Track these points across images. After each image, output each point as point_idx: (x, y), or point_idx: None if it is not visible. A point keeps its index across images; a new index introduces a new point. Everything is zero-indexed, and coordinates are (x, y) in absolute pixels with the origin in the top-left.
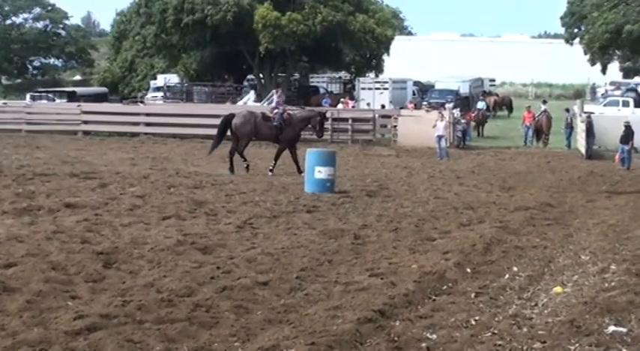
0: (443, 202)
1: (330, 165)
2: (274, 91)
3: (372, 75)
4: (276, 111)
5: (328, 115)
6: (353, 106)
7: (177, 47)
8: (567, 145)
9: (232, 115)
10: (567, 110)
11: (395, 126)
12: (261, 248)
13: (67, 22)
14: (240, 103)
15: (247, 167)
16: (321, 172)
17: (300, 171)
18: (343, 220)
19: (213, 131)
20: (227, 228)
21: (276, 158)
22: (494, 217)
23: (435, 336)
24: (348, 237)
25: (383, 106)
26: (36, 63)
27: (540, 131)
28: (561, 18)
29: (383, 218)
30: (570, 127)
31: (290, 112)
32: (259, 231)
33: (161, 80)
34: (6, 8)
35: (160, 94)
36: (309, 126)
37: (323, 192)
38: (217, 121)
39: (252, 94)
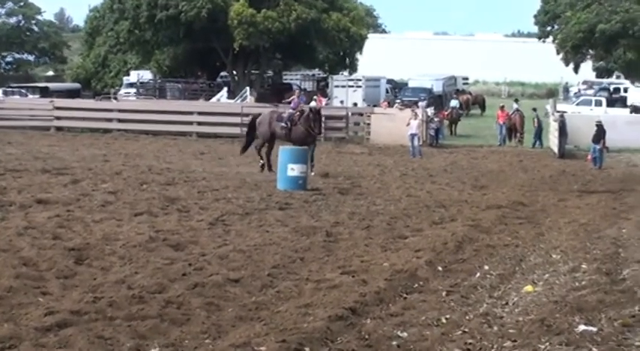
0: (415, 200)
1: (302, 162)
2: (248, 88)
3: (345, 73)
4: (289, 111)
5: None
6: (326, 104)
7: (150, 43)
8: (533, 143)
9: (259, 115)
10: (534, 109)
11: (368, 124)
12: (233, 245)
13: (40, 17)
14: (212, 100)
15: (262, 166)
16: (294, 170)
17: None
18: (315, 218)
19: (186, 128)
20: (199, 225)
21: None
22: (466, 216)
23: (405, 334)
24: (320, 234)
25: (356, 104)
26: (9, 58)
27: (514, 130)
28: (535, 16)
29: (355, 216)
30: (538, 127)
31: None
32: (231, 228)
33: (134, 76)
34: None
35: (133, 90)
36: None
37: (295, 189)
38: (190, 118)
39: (224, 91)
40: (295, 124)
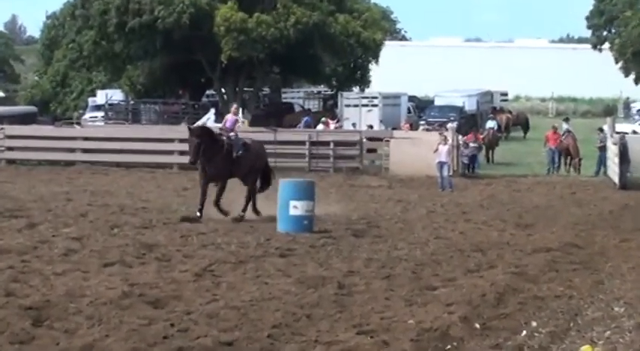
0: (445, 243)
1: (308, 198)
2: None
3: (357, 89)
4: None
5: (304, 138)
6: (336, 127)
7: (120, 57)
8: (597, 172)
9: None
10: (601, 130)
11: (386, 151)
12: (225, 301)
13: None
14: (198, 123)
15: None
16: (297, 208)
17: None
18: (324, 266)
19: (166, 158)
20: (183, 276)
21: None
22: (508, 261)
23: None
24: (331, 286)
25: (371, 127)
26: None
27: (568, 155)
28: (587, 18)
29: (373, 263)
30: (604, 151)
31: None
32: (222, 280)
33: (101, 97)
34: None
35: (101, 113)
36: None
37: (300, 231)
38: (170, 147)
39: (211, 114)
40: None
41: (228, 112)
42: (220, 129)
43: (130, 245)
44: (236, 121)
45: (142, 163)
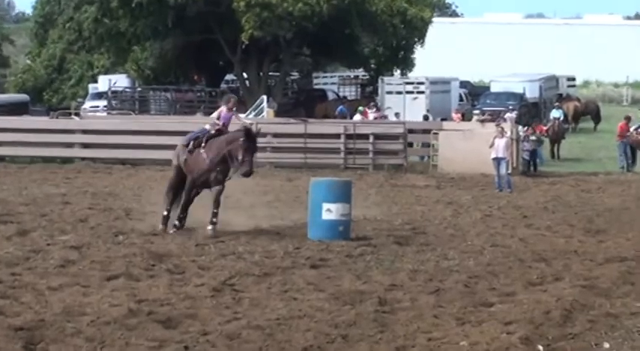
0: (503, 252)
1: (343, 200)
2: (264, 97)
3: (398, 73)
4: (204, 127)
5: (339, 130)
6: (376, 118)
7: (126, 37)
8: None
9: None
10: None
11: (434, 145)
12: (247, 320)
13: None
14: (215, 115)
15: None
16: (332, 211)
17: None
18: (363, 279)
19: None
20: (199, 291)
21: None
22: (577, 273)
23: None
24: (370, 302)
25: (426, 118)
26: None
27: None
28: None
29: (419, 275)
30: None
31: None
32: (244, 295)
33: (104, 84)
34: None
35: (103, 103)
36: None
37: (334, 239)
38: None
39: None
40: (198, 148)
41: (254, 100)
42: (211, 125)
43: (137, 255)
44: (231, 117)
45: (151, 160)
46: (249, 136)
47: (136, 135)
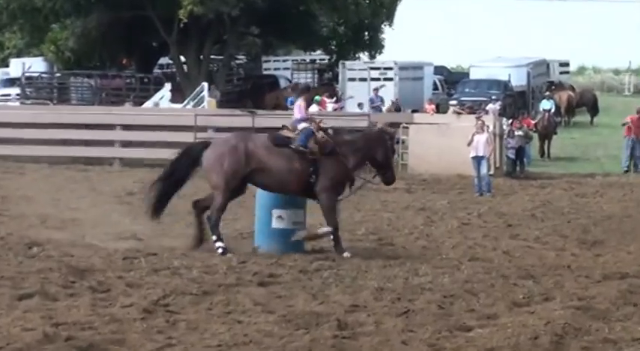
0: (484, 266)
1: (297, 206)
2: (205, 84)
3: (364, 57)
4: (301, 124)
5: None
6: (336, 109)
7: (42, 13)
8: None
9: (204, 145)
10: None
11: (404, 141)
12: (184, 346)
13: None
14: (147, 104)
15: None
16: (283, 219)
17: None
18: (320, 298)
19: (103, 152)
20: (126, 313)
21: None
22: (570, 292)
23: None
24: (328, 326)
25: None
26: None
27: None
28: None
29: (385, 294)
30: None
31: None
32: (180, 317)
33: (16, 68)
34: None
35: (15, 90)
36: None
37: (285, 251)
38: (110, 135)
39: (166, 90)
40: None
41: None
42: (307, 122)
43: (54, 270)
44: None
45: (71, 157)
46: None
47: (54, 128)
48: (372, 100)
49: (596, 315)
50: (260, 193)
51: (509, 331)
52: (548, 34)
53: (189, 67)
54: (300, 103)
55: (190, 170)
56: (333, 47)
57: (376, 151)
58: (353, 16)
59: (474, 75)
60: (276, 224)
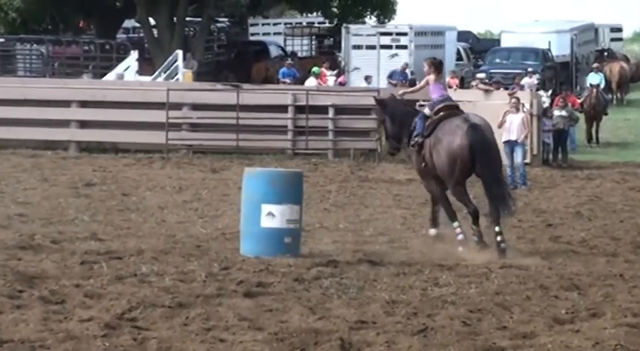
0: (519, 275)
1: (291, 201)
2: (179, 52)
3: (372, 21)
4: (435, 98)
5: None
6: (340, 83)
7: None
8: None
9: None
10: None
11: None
12: None
13: None
14: (110, 75)
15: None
16: (274, 216)
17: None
18: (319, 313)
19: (57, 134)
20: (85, 329)
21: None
22: (623, 306)
23: None
24: (330, 346)
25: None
26: None
27: None
28: None
29: (398, 308)
30: None
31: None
32: (150, 334)
33: None
34: None
35: None
36: None
37: (277, 255)
38: (64, 114)
39: (132, 59)
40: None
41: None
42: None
43: None
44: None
45: (18, 141)
46: None
47: None
48: (391, 75)
49: None
50: (245, 184)
51: None
52: None
53: (160, 32)
54: (434, 79)
55: None
56: (334, 9)
57: None
58: None
59: (506, 42)
60: (265, 223)
